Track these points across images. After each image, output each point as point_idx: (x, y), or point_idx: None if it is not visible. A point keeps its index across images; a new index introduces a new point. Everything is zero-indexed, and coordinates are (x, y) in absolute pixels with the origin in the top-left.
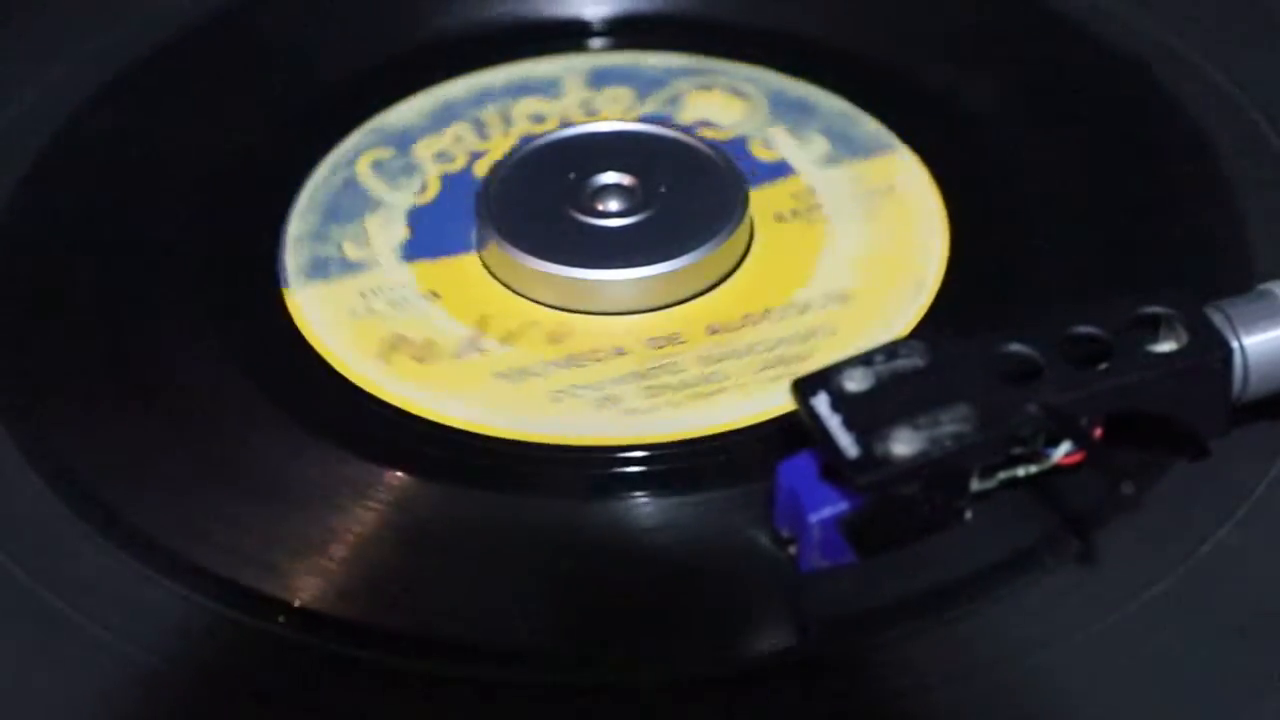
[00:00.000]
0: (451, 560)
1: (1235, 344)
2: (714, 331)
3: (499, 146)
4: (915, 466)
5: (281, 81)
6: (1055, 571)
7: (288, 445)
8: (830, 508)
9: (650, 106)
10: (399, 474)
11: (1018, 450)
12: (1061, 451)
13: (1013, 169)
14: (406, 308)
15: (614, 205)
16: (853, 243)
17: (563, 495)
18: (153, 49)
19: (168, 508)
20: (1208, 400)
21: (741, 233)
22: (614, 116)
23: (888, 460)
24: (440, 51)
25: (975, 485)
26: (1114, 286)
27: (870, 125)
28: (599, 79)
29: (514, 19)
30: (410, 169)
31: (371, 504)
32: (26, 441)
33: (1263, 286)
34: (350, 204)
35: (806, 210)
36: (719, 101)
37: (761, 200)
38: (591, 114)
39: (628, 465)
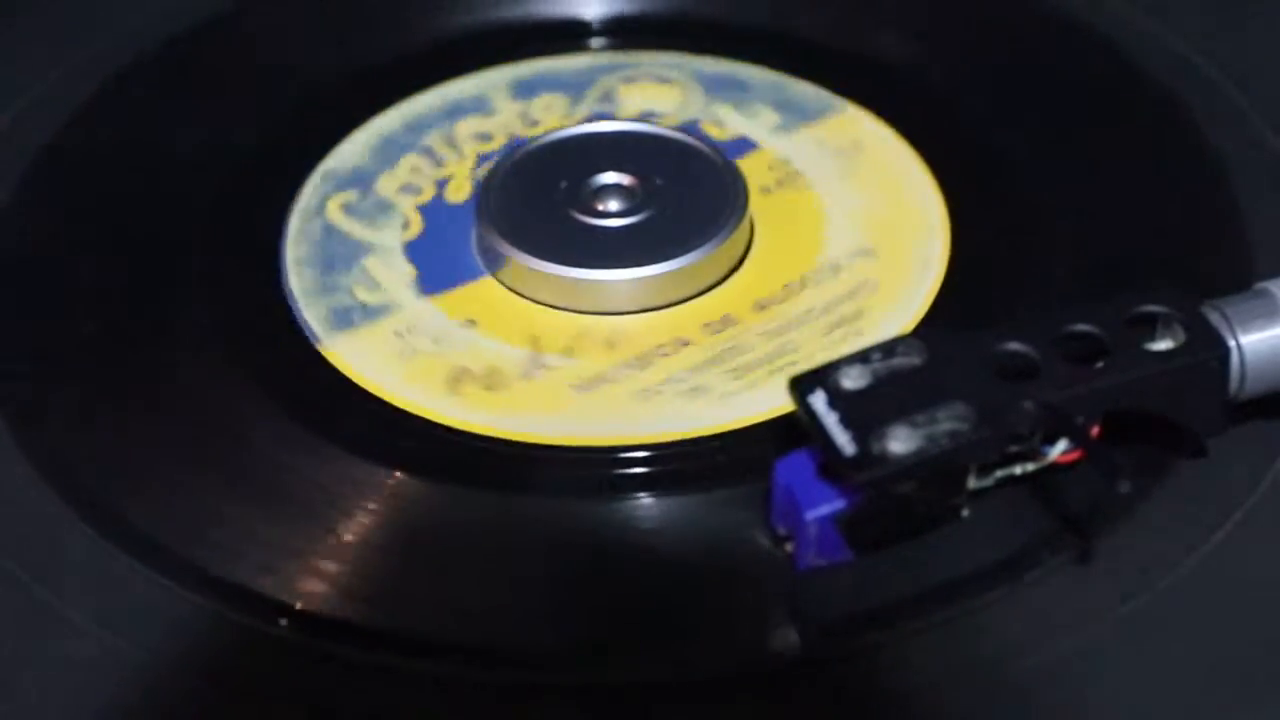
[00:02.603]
0: (451, 561)
1: (1232, 343)
2: (762, 307)
3: (458, 170)
4: (912, 464)
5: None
6: (1055, 571)
7: (292, 448)
8: (827, 505)
9: (588, 106)
10: (398, 474)
11: (1015, 448)
12: (1058, 450)
13: (1011, 168)
14: (450, 340)
15: (614, 205)
16: (848, 201)
17: (560, 495)
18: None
19: (167, 508)
20: (1205, 399)
21: (749, 216)
22: (554, 124)
23: (885, 458)
24: (364, 86)
25: (972, 483)
26: (1111, 285)
27: (807, 89)
28: (524, 90)
29: (431, 41)
30: (383, 207)
31: (371, 505)
32: (27, 441)
33: (1260, 285)
34: (341, 250)
35: (788, 178)
36: (650, 91)
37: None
38: (532, 124)
39: (625, 465)
